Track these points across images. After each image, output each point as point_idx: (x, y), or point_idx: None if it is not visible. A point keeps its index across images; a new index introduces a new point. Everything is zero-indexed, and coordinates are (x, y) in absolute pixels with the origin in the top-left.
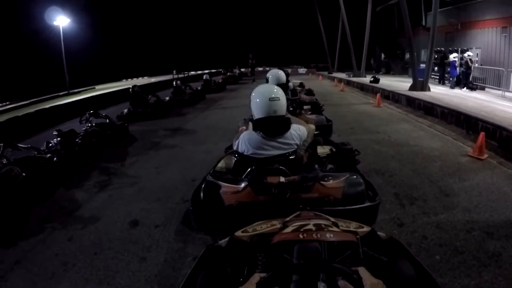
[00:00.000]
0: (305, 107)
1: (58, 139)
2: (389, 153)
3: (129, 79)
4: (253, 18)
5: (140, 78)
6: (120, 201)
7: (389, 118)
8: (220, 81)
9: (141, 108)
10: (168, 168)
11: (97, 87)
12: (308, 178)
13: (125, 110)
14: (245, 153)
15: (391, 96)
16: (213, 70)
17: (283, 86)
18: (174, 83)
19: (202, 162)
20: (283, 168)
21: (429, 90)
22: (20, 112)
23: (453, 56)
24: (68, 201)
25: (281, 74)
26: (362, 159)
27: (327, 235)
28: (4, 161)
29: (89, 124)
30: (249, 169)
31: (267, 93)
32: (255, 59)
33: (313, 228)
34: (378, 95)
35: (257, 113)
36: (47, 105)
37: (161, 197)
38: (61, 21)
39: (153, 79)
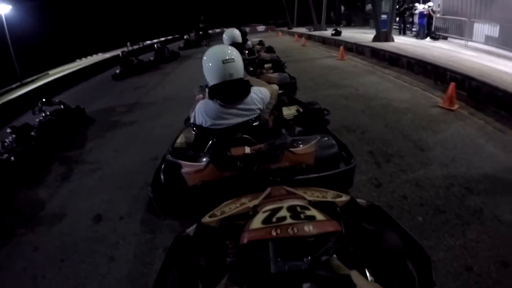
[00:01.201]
0: (266, 65)
1: (13, 136)
2: (359, 107)
3: (82, 58)
4: None
5: (94, 56)
6: (81, 195)
7: (354, 71)
8: (195, 38)
9: (130, 67)
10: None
11: (50, 72)
12: (276, 146)
13: (117, 71)
14: (203, 125)
15: (355, 48)
16: (169, 37)
17: (240, 45)
18: (155, 46)
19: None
20: (247, 136)
21: (392, 40)
22: None
23: (422, 7)
24: (29, 204)
25: (236, 32)
26: (331, 116)
27: (306, 228)
28: None
29: (43, 114)
30: (210, 142)
31: (220, 55)
32: (207, 22)
33: (288, 216)
34: (341, 47)
35: (211, 79)
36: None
37: (123, 184)
38: (2, 8)
39: (108, 55)
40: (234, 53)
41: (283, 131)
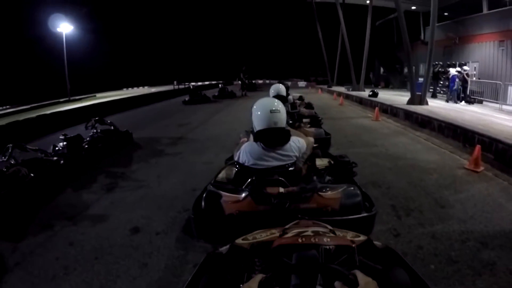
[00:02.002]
0: (304, 120)
1: (65, 143)
2: (386, 165)
3: (129, 88)
4: (252, 30)
5: (140, 88)
6: (122, 207)
7: (386, 131)
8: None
9: (196, 97)
10: (169, 176)
11: (98, 95)
12: (307, 189)
13: (186, 99)
14: (245, 164)
15: (389, 110)
16: (213, 82)
17: (283, 98)
18: (220, 85)
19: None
20: (282, 179)
21: (426, 104)
22: (21, 117)
23: (455, 70)
24: (72, 205)
25: (281, 87)
26: (360, 172)
27: (325, 239)
28: (12, 161)
29: (95, 130)
30: (249, 180)
31: (268, 105)
32: (248, 73)
33: (312, 234)
34: (377, 109)
35: (258, 125)
36: (48, 111)
37: (163, 205)
38: (64, 28)
39: (153, 89)
40: (280, 106)
41: (314, 178)
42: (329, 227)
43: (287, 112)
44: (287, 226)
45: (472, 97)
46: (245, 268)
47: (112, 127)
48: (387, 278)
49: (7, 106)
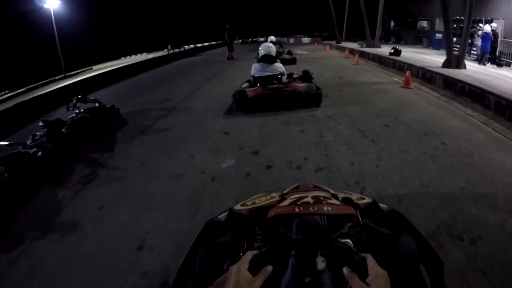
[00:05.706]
0: (294, 76)
1: (45, 130)
2: (455, 178)
3: (127, 57)
4: None
5: (138, 55)
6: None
7: (430, 108)
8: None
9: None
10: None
11: (94, 67)
12: (288, 82)
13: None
14: (255, 75)
15: (421, 74)
16: (213, 42)
17: (273, 43)
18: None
19: None
20: (275, 82)
21: (464, 67)
22: (15, 101)
23: (489, 28)
24: (43, 209)
25: (273, 37)
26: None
27: (325, 208)
28: None
29: (77, 111)
30: (258, 84)
31: (266, 44)
32: (233, 31)
33: (311, 201)
34: (408, 73)
35: (260, 53)
36: (43, 91)
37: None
38: (51, 3)
39: (151, 55)
40: (272, 46)
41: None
42: (331, 190)
43: (277, 52)
44: (285, 191)
45: (501, 59)
46: (245, 236)
47: (97, 104)
48: (393, 243)
49: (6, 91)
